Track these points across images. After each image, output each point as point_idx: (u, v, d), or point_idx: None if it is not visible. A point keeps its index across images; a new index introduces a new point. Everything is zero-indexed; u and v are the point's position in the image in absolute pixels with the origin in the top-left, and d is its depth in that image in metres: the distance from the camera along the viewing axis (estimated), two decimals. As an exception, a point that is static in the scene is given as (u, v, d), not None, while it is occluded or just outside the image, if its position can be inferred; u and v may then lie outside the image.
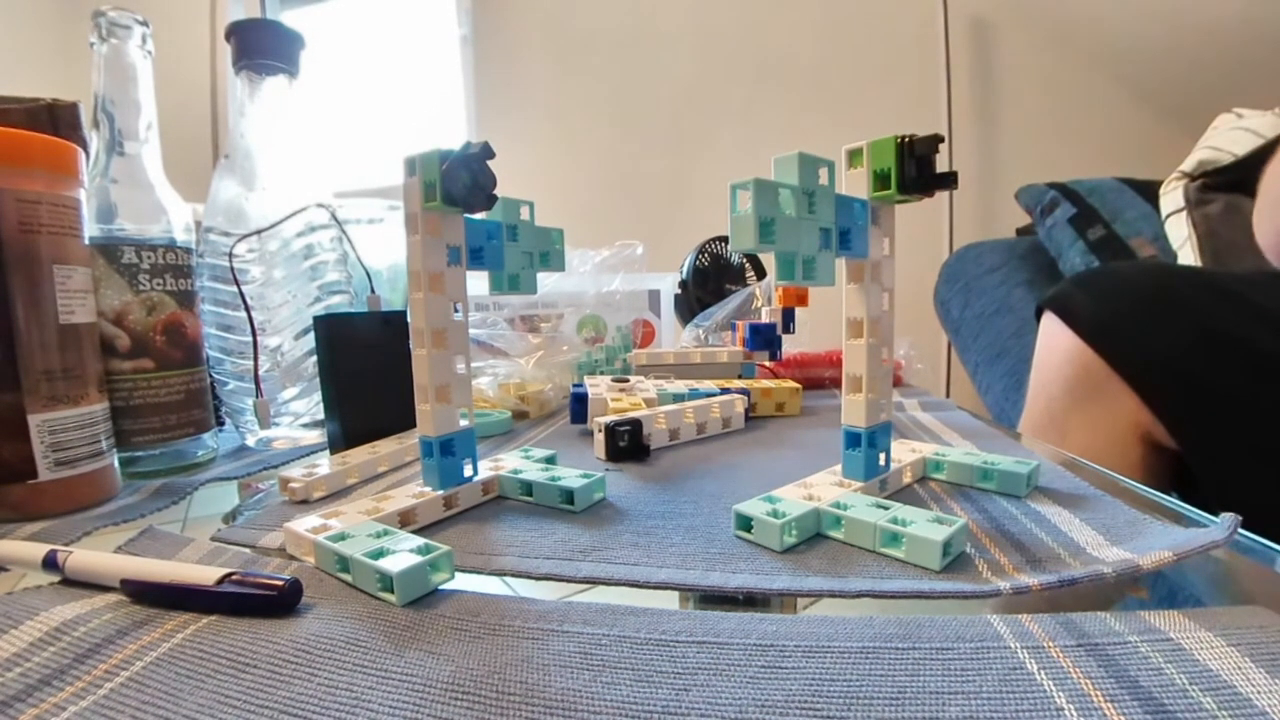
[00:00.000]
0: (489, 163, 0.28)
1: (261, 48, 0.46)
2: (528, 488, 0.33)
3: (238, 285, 0.43)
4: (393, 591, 0.22)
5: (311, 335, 0.47)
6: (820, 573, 0.24)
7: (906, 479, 0.34)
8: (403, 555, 0.23)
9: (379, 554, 0.23)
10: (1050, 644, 0.18)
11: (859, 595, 0.22)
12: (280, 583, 0.22)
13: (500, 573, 0.25)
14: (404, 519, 0.29)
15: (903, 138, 0.27)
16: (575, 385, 0.54)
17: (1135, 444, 0.58)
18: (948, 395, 1.57)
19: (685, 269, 1.02)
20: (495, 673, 0.18)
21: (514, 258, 0.33)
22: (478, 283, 0.32)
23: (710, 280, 1.04)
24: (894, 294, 0.31)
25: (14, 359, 0.31)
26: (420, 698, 0.17)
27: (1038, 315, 0.68)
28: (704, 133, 1.80)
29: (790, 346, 0.69)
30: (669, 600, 0.23)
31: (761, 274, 1.06)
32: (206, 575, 0.22)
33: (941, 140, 0.27)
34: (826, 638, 0.19)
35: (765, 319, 0.65)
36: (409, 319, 0.30)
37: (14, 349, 0.31)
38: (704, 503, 0.32)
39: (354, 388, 0.43)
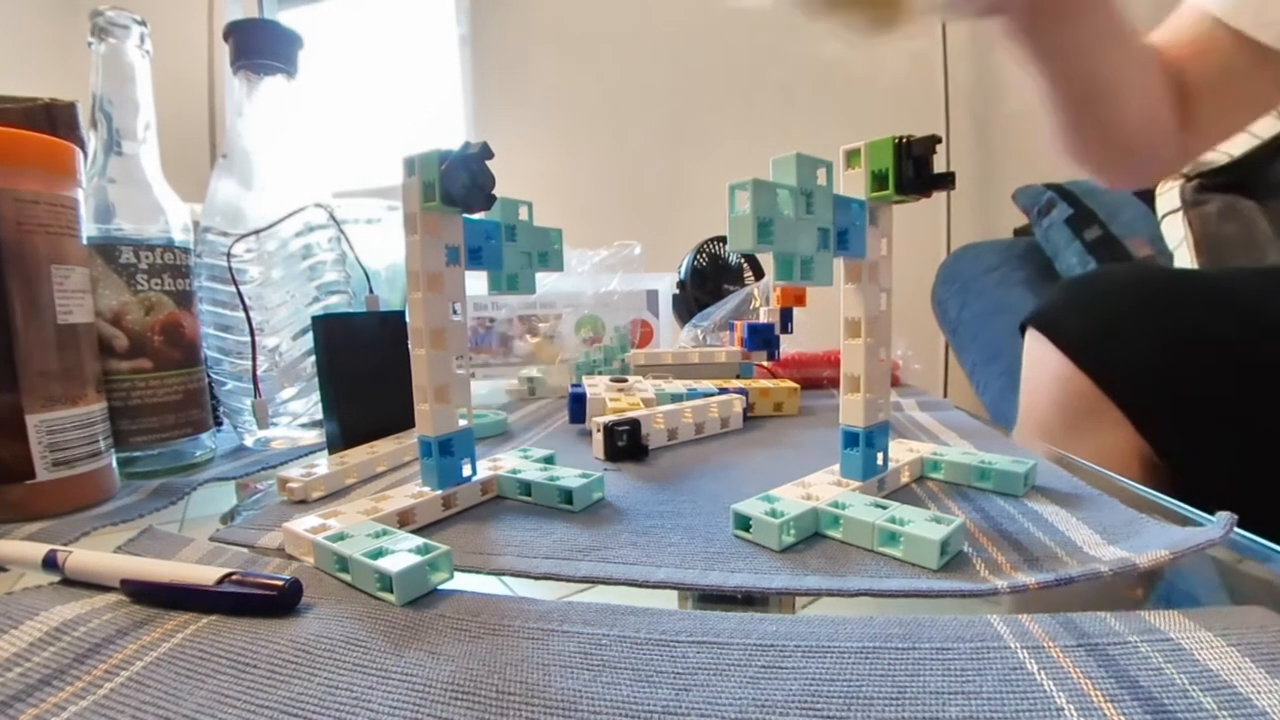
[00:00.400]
0: (488, 163, 0.28)
1: (259, 47, 0.46)
2: (526, 487, 0.33)
3: (236, 285, 0.43)
4: (392, 591, 0.22)
5: (310, 335, 0.47)
6: (819, 572, 0.24)
7: (905, 479, 0.34)
8: (402, 555, 0.23)
9: (378, 554, 0.23)
10: (1050, 644, 0.18)
11: (858, 594, 0.22)
12: (280, 583, 0.22)
13: (499, 572, 0.25)
14: (403, 519, 0.29)
15: (901, 138, 0.27)
16: (573, 385, 0.54)
17: (1134, 466, 0.56)
18: (945, 395, 1.57)
19: (683, 269, 1.02)
20: (495, 672, 0.18)
21: (512, 258, 0.33)
22: (476, 282, 0.32)
23: (708, 280, 1.04)
24: (891, 294, 0.31)
25: (12, 359, 0.31)
26: (420, 697, 0.17)
27: (1022, 331, 0.66)
28: (702, 133, 1.80)
29: (788, 346, 0.69)
30: (668, 600, 0.23)
31: (759, 274, 1.06)
32: (206, 575, 0.22)
33: (939, 141, 0.28)
34: (826, 638, 0.19)
35: (763, 319, 0.65)
36: (408, 319, 0.30)
37: (12, 349, 0.31)
38: (702, 502, 0.32)
39: (352, 388, 0.43)
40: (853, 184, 0.30)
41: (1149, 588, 0.24)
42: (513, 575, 0.25)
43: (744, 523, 0.27)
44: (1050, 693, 0.16)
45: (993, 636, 0.19)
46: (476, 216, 0.30)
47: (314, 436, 0.49)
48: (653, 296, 0.82)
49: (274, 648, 0.19)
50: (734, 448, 0.44)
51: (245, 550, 0.28)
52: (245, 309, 0.43)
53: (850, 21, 0.46)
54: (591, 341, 0.75)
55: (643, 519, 0.30)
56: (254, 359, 0.44)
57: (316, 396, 0.47)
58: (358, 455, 0.39)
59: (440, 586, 0.23)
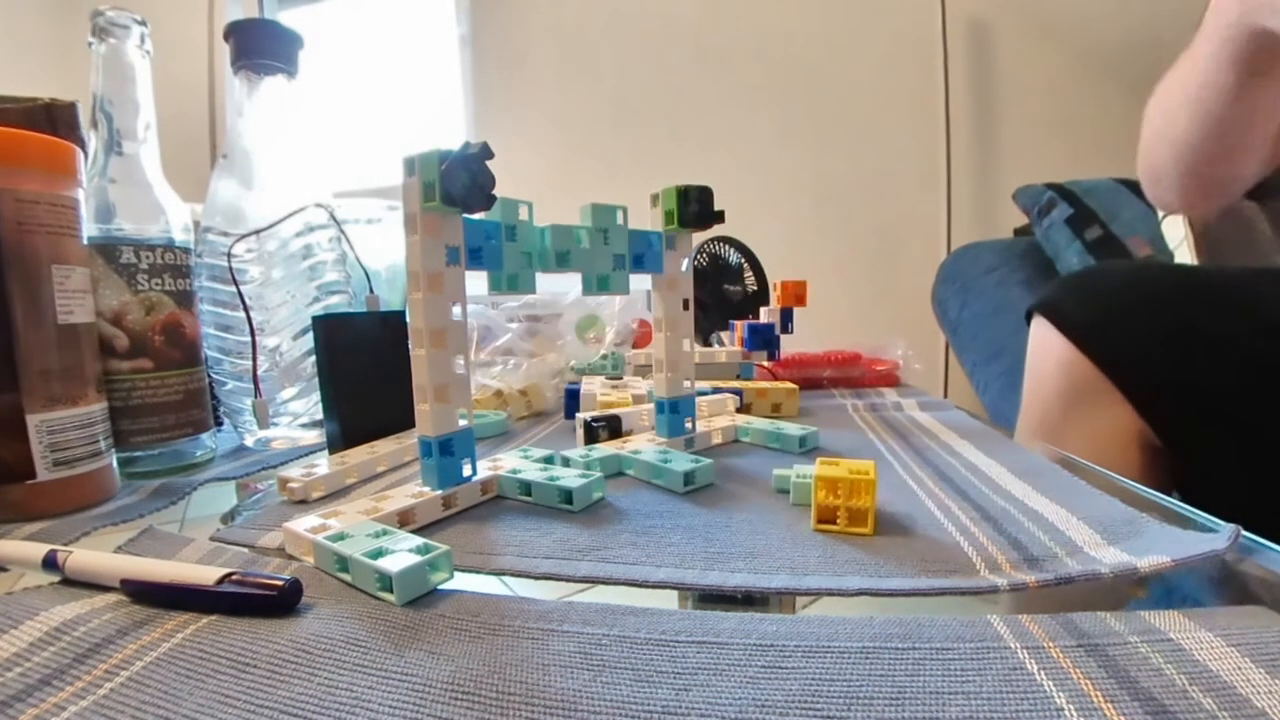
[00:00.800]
0: (488, 163, 0.28)
1: (260, 48, 0.46)
2: (526, 487, 0.33)
3: (236, 285, 0.43)
4: (392, 591, 0.22)
5: (310, 335, 0.47)
6: (817, 571, 0.24)
7: (716, 440, 0.44)
8: (402, 555, 0.23)
9: (378, 554, 0.23)
10: (1050, 644, 0.18)
11: (858, 594, 0.22)
12: (280, 583, 0.22)
13: (499, 572, 0.25)
14: (403, 519, 0.29)
15: (682, 187, 0.38)
16: (570, 384, 0.55)
17: (1134, 450, 0.57)
18: (945, 395, 1.57)
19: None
20: (495, 672, 0.18)
21: (512, 258, 0.33)
22: (476, 283, 0.32)
23: (708, 280, 1.04)
24: (691, 300, 0.41)
25: (12, 359, 0.31)
26: (420, 697, 0.17)
27: (1028, 319, 0.68)
28: (703, 133, 1.80)
29: (789, 346, 0.69)
30: (668, 600, 0.23)
31: (760, 275, 1.06)
32: (206, 575, 0.22)
33: (709, 190, 0.39)
34: (826, 638, 0.19)
35: (763, 319, 0.65)
36: (408, 319, 0.30)
37: (12, 349, 0.31)
38: (701, 501, 0.32)
39: (352, 388, 0.43)
40: (656, 218, 0.39)
41: (1149, 588, 0.24)
42: (513, 575, 0.25)
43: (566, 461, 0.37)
44: (1050, 693, 0.16)
45: (993, 637, 0.19)
46: (476, 216, 0.30)
47: (314, 436, 0.49)
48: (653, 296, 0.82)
49: (274, 648, 0.19)
50: (732, 448, 0.44)
51: (245, 550, 0.28)
52: (246, 309, 0.43)
53: None
54: (594, 341, 0.75)
55: (642, 519, 0.30)
56: (254, 359, 0.44)
57: (317, 396, 0.47)
58: (358, 455, 0.39)
59: (440, 586, 0.23)
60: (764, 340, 0.64)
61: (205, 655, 0.19)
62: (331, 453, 0.42)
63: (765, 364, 0.65)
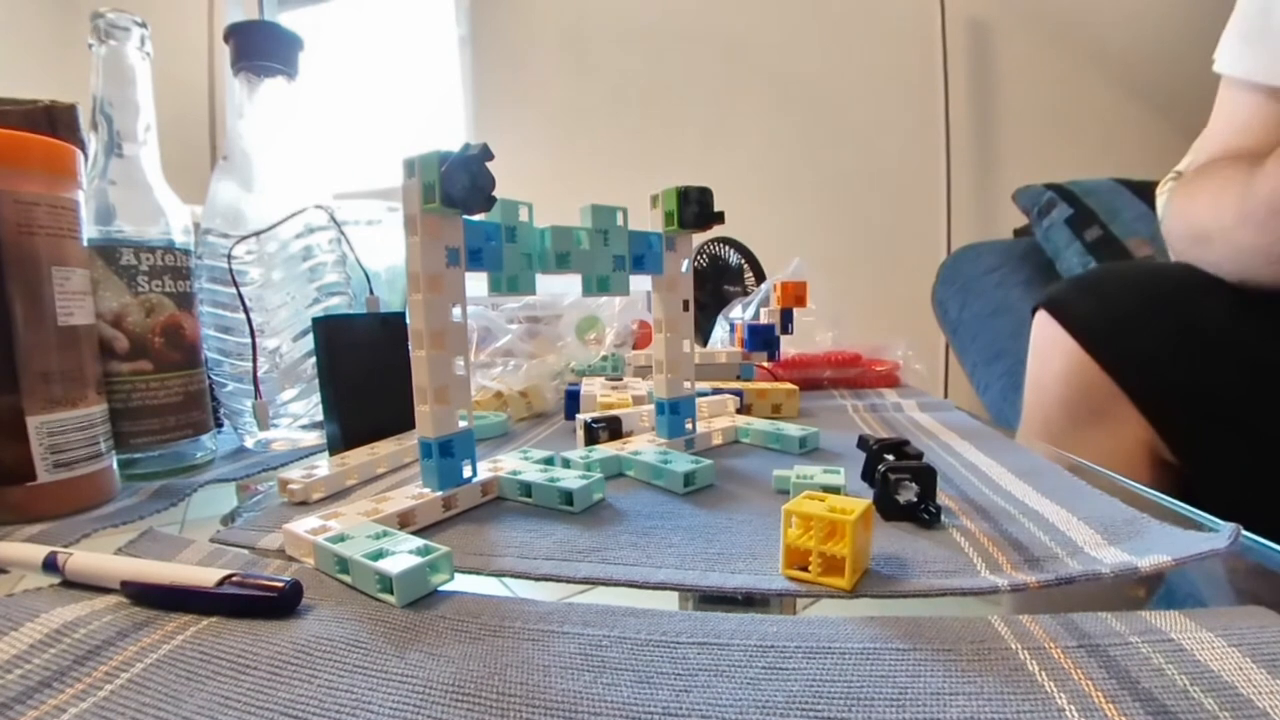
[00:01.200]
0: (488, 164, 0.28)
1: (260, 49, 0.46)
2: (527, 489, 0.33)
3: (236, 287, 0.43)
4: (392, 593, 0.22)
5: (310, 337, 0.47)
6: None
7: (716, 441, 0.44)
8: (402, 556, 0.23)
9: (378, 555, 0.23)
10: (1051, 645, 0.18)
11: (858, 595, 0.22)
12: (280, 584, 0.22)
13: (500, 574, 0.25)
14: (403, 520, 0.29)
15: (682, 188, 0.38)
16: (570, 385, 0.55)
17: (1142, 463, 0.56)
18: (946, 396, 1.57)
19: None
20: (496, 674, 0.18)
21: (512, 259, 0.33)
22: (476, 284, 0.32)
23: (708, 281, 1.04)
24: (691, 300, 0.41)
25: (12, 361, 0.31)
26: (421, 699, 0.17)
27: (1033, 315, 0.66)
28: (702, 133, 1.81)
29: (788, 346, 0.69)
30: (669, 601, 0.23)
31: (760, 275, 1.06)
32: (207, 577, 0.22)
33: (709, 191, 0.39)
34: (827, 639, 0.19)
35: (764, 320, 0.65)
36: (408, 320, 0.30)
37: (12, 351, 0.31)
38: (702, 502, 0.32)
39: (353, 389, 0.43)
40: (655, 219, 0.39)
41: (1150, 588, 0.24)
42: (513, 576, 0.25)
43: (566, 462, 0.37)
44: (1051, 693, 0.16)
45: (994, 637, 0.19)
46: (476, 218, 0.30)
47: (314, 438, 0.49)
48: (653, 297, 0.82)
49: (274, 649, 0.19)
50: (730, 447, 0.44)
51: (246, 552, 0.27)
52: (246, 311, 0.43)
53: None
54: (594, 342, 0.75)
55: (642, 520, 0.30)
56: (254, 360, 0.44)
57: (317, 398, 0.47)
58: (358, 457, 0.39)
59: (440, 588, 0.23)
60: (764, 341, 0.64)
61: (206, 657, 0.19)
62: (332, 454, 0.42)
63: (765, 365, 0.65)
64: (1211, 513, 0.28)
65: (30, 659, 0.19)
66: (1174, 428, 0.54)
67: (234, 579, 0.22)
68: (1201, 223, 0.57)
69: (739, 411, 0.51)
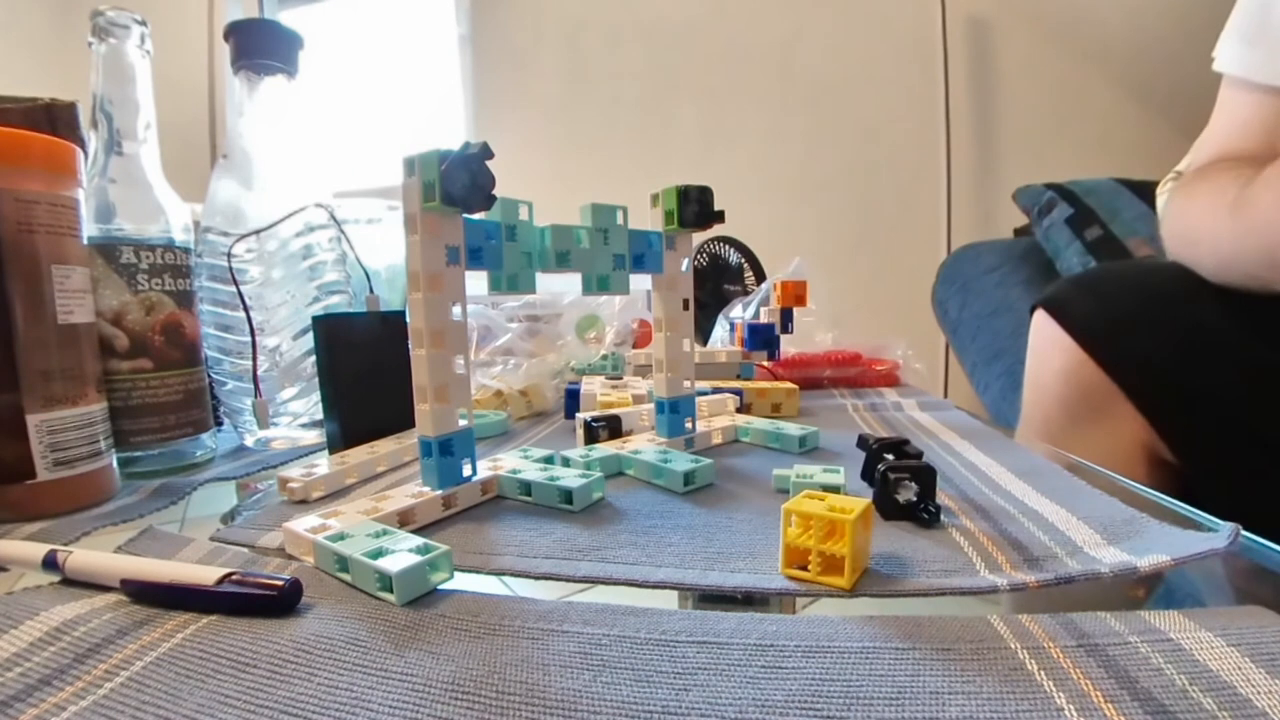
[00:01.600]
0: (488, 163, 0.28)
1: (260, 47, 0.46)
2: (526, 487, 0.33)
3: (236, 285, 0.43)
4: (392, 591, 0.22)
5: (310, 335, 0.47)
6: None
7: (716, 440, 0.44)
8: (402, 555, 0.23)
9: (378, 554, 0.23)
10: (1050, 644, 0.18)
11: (857, 595, 0.22)
12: (280, 583, 0.22)
13: (499, 572, 0.25)
14: (403, 519, 0.29)
15: (682, 187, 0.38)
16: (570, 384, 0.55)
17: (1140, 463, 0.56)
18: (945, 395, 1.57)
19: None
20: (495, 672, 0.18)
21: (512, 258, 0.33)
22: (476, 283, 0.32)
23: (708, 280, 1.04)
24: (691, 300, 0.41)
25: (12, 359, 0.31)
26: (420, 697, 0.17)
27: (1031, 314, 0.66)
28: (702, 133, 1.81)
29: (788, 345, 0.69)
30: (668, 600, 0.23)
31: (760, 274, 1.06)
32: (206, 575, 0.22)
33: (709, 190, 0.38)
34: (826, 638, 0.19)
35: (764, 319, 0.65)
36: (408, 319, 0.30)
37: (12, 349, 0.31)
38: (701, 501, 0.32)
39: (352, 388, 0.43)
40: (655, 218, 0.39)
41: (1149, 588, 0.24)
42: (513, 575, 0.25)
43: (566, 461, 0.37)
44: (1050, 693, 0.16)
45: (993, 637, 0.19)
46: (476, 216, 0.30)
47: (314, 436, 0.49)
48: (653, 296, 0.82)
49: (274, 648, 0.19)
50: (728, 447, 0.44)
51: (245, 550, 0.28)
52: (246, 309, 0.43)
53: None
54: (594, 341, 0.75)
55: (642, 519, 0.30)
56: (254, 359, 0.44)
57: (317, 396, 0.47)
58: (358, 455, 0.39)
59: (440, 586, 0.23)
60: (764, 340, 0.64)
61: (205, 655, 0.19)
62: (331, 453, 0.42)
63: (765, 364, 0.65)
64: (1210, 512, 0.28)
65: (30, 657, 0.19)
66: (1172, 427, 0.54)
67: (234, 577, 0.22)
68: (1194, 227, 0.57)
69: (739, 411, 0.51)
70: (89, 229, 0.38)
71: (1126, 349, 0.56)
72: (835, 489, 0.30)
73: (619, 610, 0.21)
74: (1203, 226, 0.55)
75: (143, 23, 0.42)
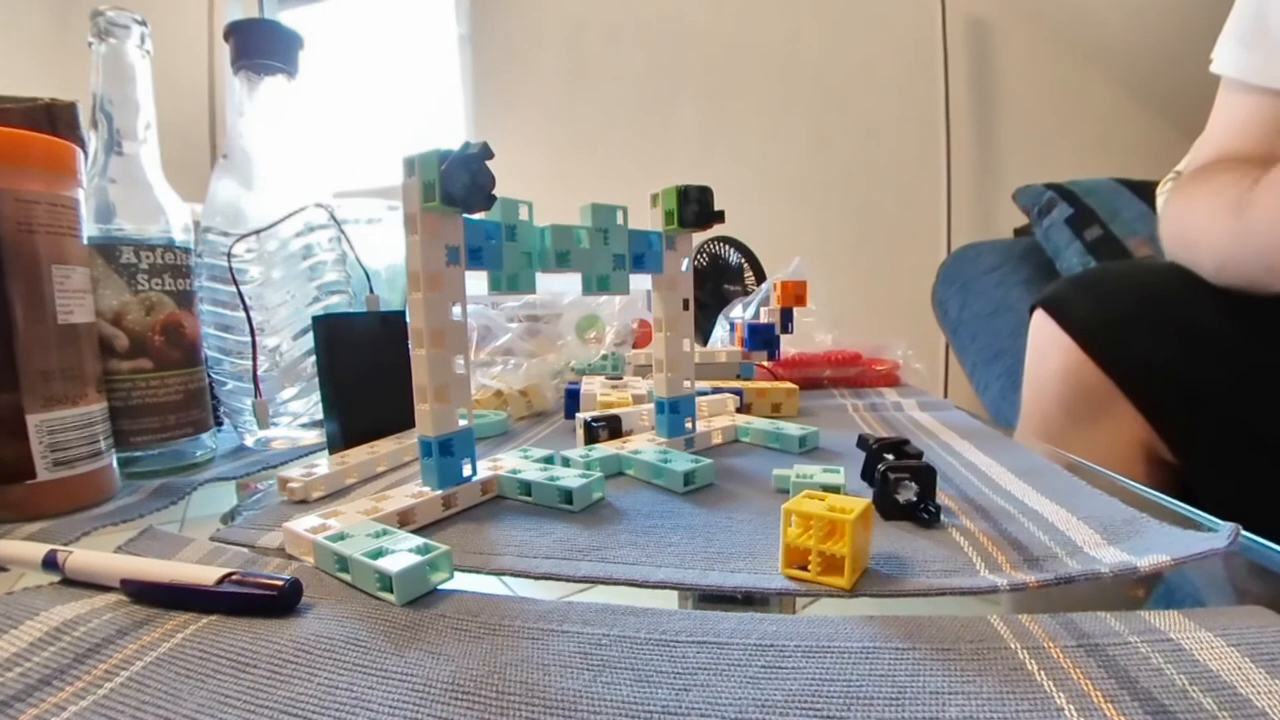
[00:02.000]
0: (488, 163, 0.28)
1: (260, 47, 0.46)
2: (526, 487, 0.33)
3: (236, 285, 0.43)
4: (392, 591, 0.22)
5: (310, 335, 0.47)
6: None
7: (716, 440, 0.44)
8: (402, 555, 0.23)
9: (378, 554, 0.23)
10: (1050, 644, 0.18)
11: (857, 595, 0.22)
12: (280, 583, 0.22)
13: (499, 572, 0.25)
14: (403, 519, 0.29)
15: (682, 187, 0.38)
16: (570, 384, 0.55)
17: (1139, 462, 0.56)
18: (945, 395, 1.57)
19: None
20: (495, 672, 0.18)
21: (512, 258, 0.33)
22: (476, 283, 0.32)
23: (708, 280, 1.04)
24: (691, 300, 0.41)
25: (12, 359, 0.31)
26: (420, 697, 0.17)
27: (1030, 313, 0.65)
28: (702, 133, 1.81)
29: (788, 346, 0.69)
30: (668, 600, 0.23)
31: (760, 274, 1.06)
32: (206, 575, 0.22)
33: (709, 190, 0.38)
34: (826, 638, 0.19)
35: (764, 319, 0.65)
36: (408, 319, 0.30)
37: (12, 349, 0.31)
38: (701, 501, 0.32)
39: (352, 388, 0.43)
40: (655, 218, 0.39)
41: (1149, 588, 0.24)
42: (513, 575, 0.25)
43: (566, 461, 0.37)
44: (1050, 693, 0.16)
45: (993, 637, 0.19)
46: (476, 216, 0.30)
47: (314, 436, 0.49)
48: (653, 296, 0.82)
49: (274, 648, 0.19)
50: (728, 447, 0.44)
51: (245, 550, 0.28)
52: (246, 309, 0.43)
53: None
54: (595, 341, 0.75)
55: (642, 519, 0.30)
56: (254, 359, 0.44)
57: (317, 396, 0.47)
58: (358, 455, 0.39)
59: (440, 586, 0.23)
60: (764, 340, 0.64)
61: (205, 655, 0.19)
62: (331, 453, 0.42)
63: (765, 364, 0.65)
64: (1210, 512, 0.28)
65: (30, 657, 0.19)
66: (1171, 426, 0.54)
67: (234, 577, 0.22)
68: (1192, 229, 0.57)
69: (739, 410, 0.51)
70: (89, 229, 0.38)
71: (1125, 348, 0.56)
72: (835, 489, 0.30)
73: (619, 610, 0.21)
74: (1202, 228, 0.55)
75: (143, 23, 0.42)
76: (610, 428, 0.43)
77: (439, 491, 0.30)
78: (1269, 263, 0.48)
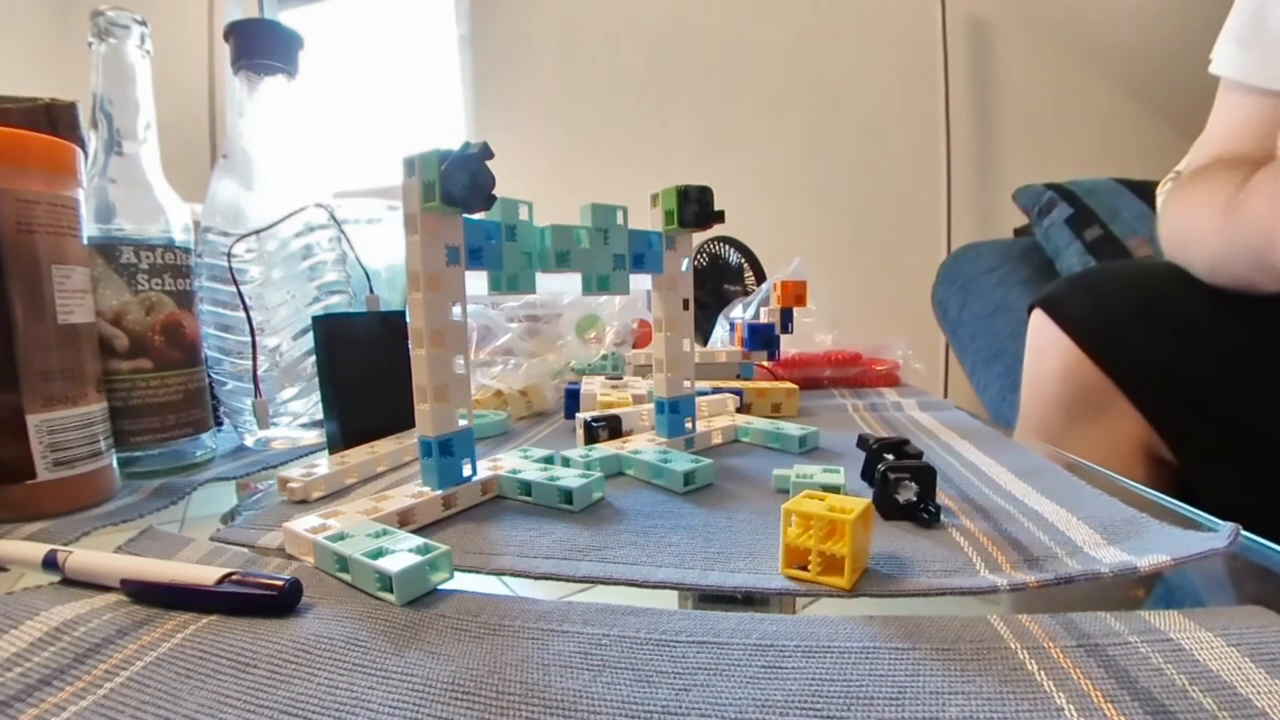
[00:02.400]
0: (488, 163, 0.28)
1: (260, 47, 0.46)
2: (526, 487, 0.33)
3: (236, 285, 0.43)
4: (392, 591, 0.22)
5: (310, 335, 0.47)
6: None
7: (716, 440, 0.44)
8: (401, 555, 0.23)
9: (378, 554, 0.23)
10: (1050, 644, 0.18)
11: (857, 595, 0.22)
12: (280, 583, 0.22)
13: (499, 572, 0.25)
14: (403, 519, 0.29)
15: (682, 187, 0.38)
16: (570, 384, 0.55)
17: (1139, 462, 0.56)
18: (945, 395, 1.57)
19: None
20: (495, 673, 0.18)
21: (512, 258, 0.33)
22: (476, 283, 0.32)
23: (708, 280, 1.04)
24: (691, 299, 0.41)
25: (12, 359, 0.31)
26: (420, 698, 0.17)
27: (1029, 313, 0.65)
28: (702, 133, 1.81)
29: (788, 346, 0.69)
30: (668, 600, 0.23)
31: (760, 275, 1.06)
32: (206, 575, 0.22)
33: (709, 190, 0.39)
34: (826, 638, 0.19)
35: (764, 319, 0.65)
36: (408, 319, 0.30)
37: (12, 349, 0.31)
38: (701, 501, 0.32)
39: (352, 388, 0.43)
40: (655, 218, 0.39)
41: (1149, 588, 0.24)
42: (513, 575, 0.25)
43: (566, 461, 0.37)
44: (1050, 693, 0.16)
45: (993, 637, 0.19)
46: (476, 216, 0.30)
47: (314, 436, 0.49)
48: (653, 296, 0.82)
49: (274, 648, 0.19)
50: (727, 447, 0.44)
51: (245, 550, 0.28)
52: (246, 309, 0.43)
53: None
54: (595, 341, 0.75)
55: (642, 519, 0.30)
56: (254, 359, 0.44)
57: (317, 396, 0.47)
58: (358, 455, 0.39)
59: (440, 586, 0.23)
60: (764, 340, 0.64)
61: (205, 655, 0.19)
62: (331, 453, 0.42)
63: (765, 364, 0.65)
64: (1209, 511, 0.28)
65: (30, 657, 0.19)
66: (1170, 425, 0.54)
67: (234, 577, 0.22)
68: (1187, 228, 0.57)
69: (739, 411, 0.51)
70: (89, 229, 0.38)
71: (1124, 348, 0.56)
72: (835, 489, 0.30)
73: (619, 610, 0.21)
74: (1196, 228, 0.56)
75: (143, 23, 0.42)
76: (610, 428, 0.43)
77: (439, 491, 0.30)
78: (1257, 262, 0.48)
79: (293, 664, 0.18)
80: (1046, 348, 0.61)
